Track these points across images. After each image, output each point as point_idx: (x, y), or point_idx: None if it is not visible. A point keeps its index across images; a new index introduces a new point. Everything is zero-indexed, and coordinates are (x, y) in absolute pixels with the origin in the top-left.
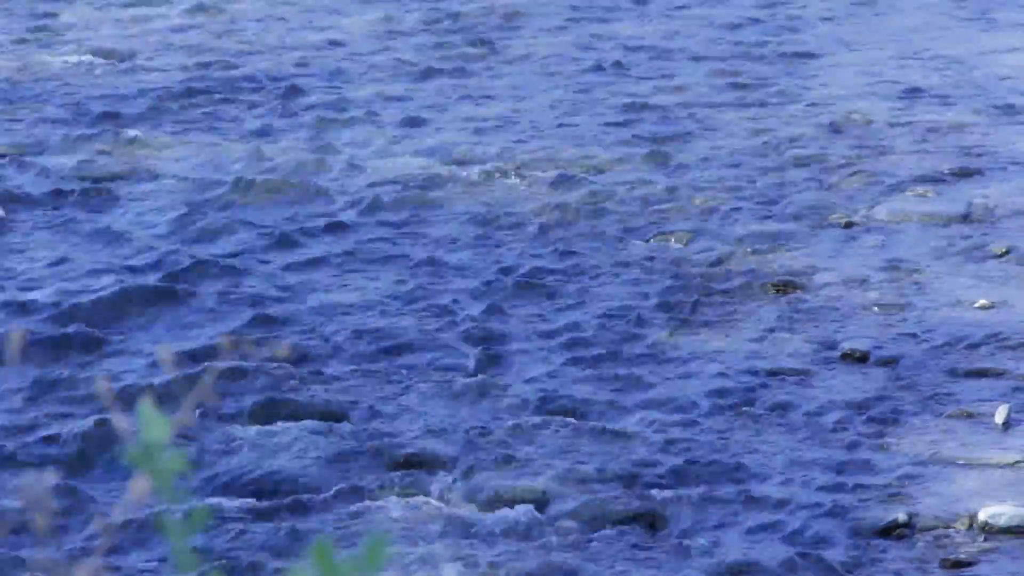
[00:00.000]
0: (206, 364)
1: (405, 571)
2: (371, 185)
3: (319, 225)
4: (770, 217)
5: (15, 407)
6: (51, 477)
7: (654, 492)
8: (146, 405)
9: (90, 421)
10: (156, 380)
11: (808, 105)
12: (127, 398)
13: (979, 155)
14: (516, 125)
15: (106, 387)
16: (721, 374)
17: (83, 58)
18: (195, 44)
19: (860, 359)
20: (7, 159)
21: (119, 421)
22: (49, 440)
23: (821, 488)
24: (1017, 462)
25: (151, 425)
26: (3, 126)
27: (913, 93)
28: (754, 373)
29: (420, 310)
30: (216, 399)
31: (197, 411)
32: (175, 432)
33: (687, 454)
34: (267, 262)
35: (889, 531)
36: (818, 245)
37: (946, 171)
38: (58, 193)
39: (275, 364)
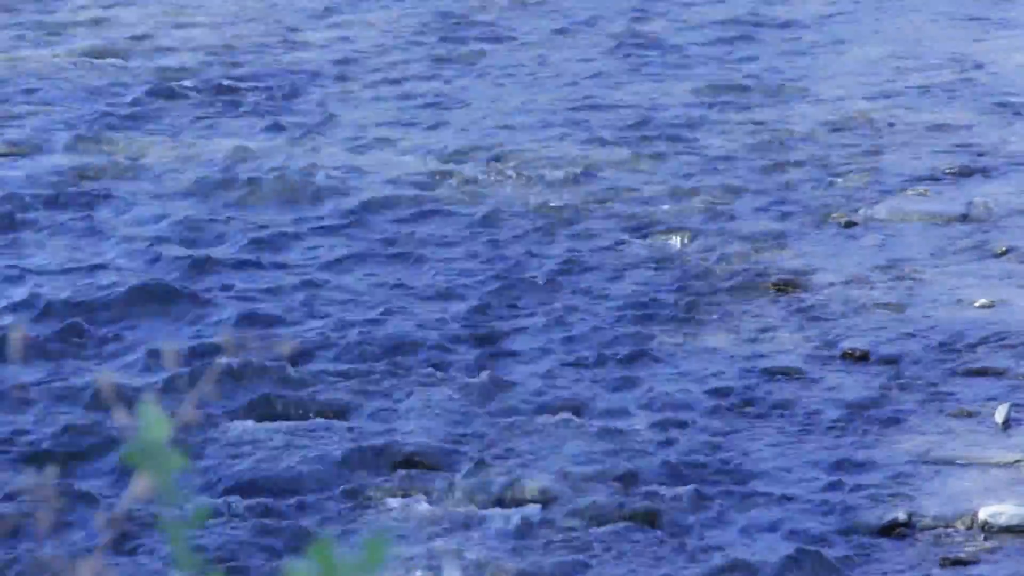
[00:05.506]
0: (207, 363)
1: (405, 571)
2: (371, 185)
3: (319, 225)
4: (770, 216)
5: (15, 406)
6: (52, 475)
7: (654, 491)
8: (146, 404)
9: (90, 420)
10: (156, 379)
11: (808, 105)
12: (127, 397)
13: (979, 155)
14: (516, 125)
15: (108, 383)
16: (721, 373)
17: (82, 58)
18: (195, 44)
19: (860, 358)
20: (7, 158)
21: (121, 418)
22: (49, 439)
23: (821, 487)
24: (1017, 461)
25: (151, 424)
26: (2, 125)
27: (914, 93)
28: (754, 372)
29: (420, 309)
30: (217, 398)
31: (198, 410)
32: (176, 431)
33: (687, 453)
34: (267, 261)
35: (889, 530)
36: (818, 244)
37: (946, 171)
38: (58, 193)
39: (275, 364)
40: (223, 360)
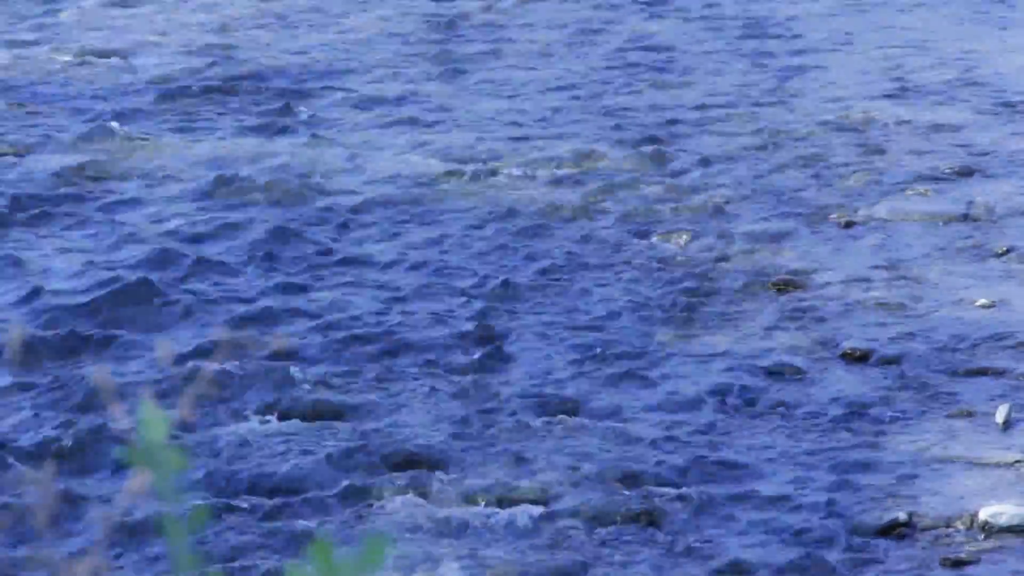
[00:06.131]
0: (204, 363)
1: (405, 571)
2: (371, 185)
3: (319, 224)
4: (770, 216)
5: (15, 406)
6: (51, 474)
7: (654, 491)
8: (146, 403)
9: (90, 419)
10: (155, 378)
11: (808, 105)
12: (127, 396)
13: (979, 155)
14: (516, 125)
15: (105, 380)
16: (721, 373)
17: (83, 58)
18: (195, 44)
19: (860, 358)
20: (7, 158)
21: (118, 417)
22: (49, 438)
23: (821, 487)
24: (1017, 461)
25: (151, 423)
26: (3, 125)
27: (913, 93)
28: (754, 372)
29: (420, 309)
30: (213, 397)
31: (196, 409)
32: (174, 430)
33: (687, 453)
34: (267, 261)
35: (889, 530)
36: (818, 244)
37: (946, 170)
38: (58, 193)
39: (275, 364)
40: (219, 360)
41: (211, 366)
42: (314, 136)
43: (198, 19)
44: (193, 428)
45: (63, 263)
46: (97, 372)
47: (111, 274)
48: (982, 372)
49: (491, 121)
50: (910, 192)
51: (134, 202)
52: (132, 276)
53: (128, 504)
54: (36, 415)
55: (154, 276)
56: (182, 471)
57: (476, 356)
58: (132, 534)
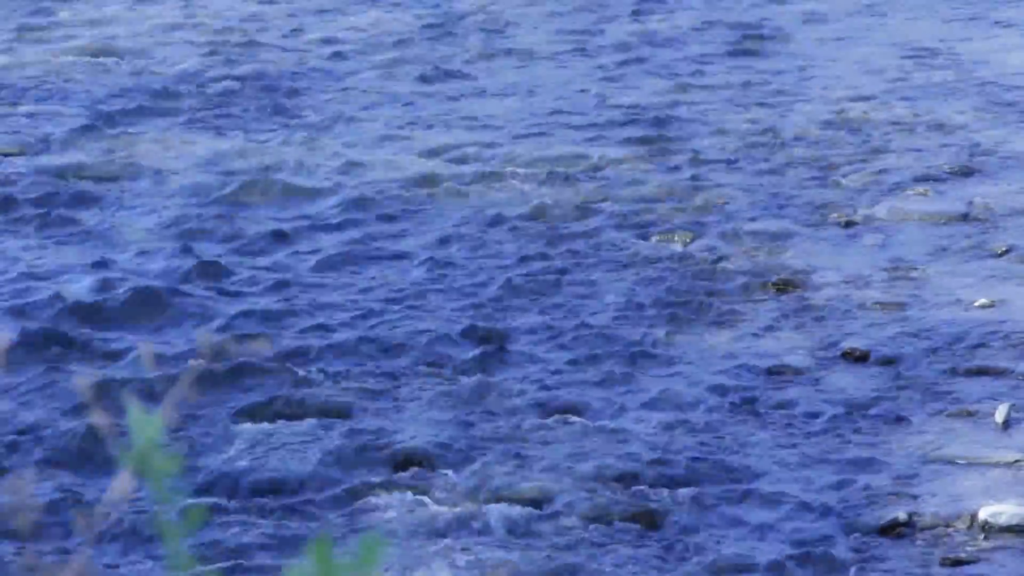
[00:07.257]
0: (202, 363)
1: (405, 570)
2: (370, 185)
3: (318, 224)
4: (770, 216)
5: (9, 406)
6: (33, 478)
7: (654, 491)
8: (135, 406)
9: (84, 421)
10: (152, 379)
11: (808, 104)
12: (126, 397)
13: (979, 154)
14: (515, 125)
15: (86, 386)
16: (721, 373)
17: (83, 56)
18: (195, 43)
19: (860, 358)
20: (6, 158)
21: (100, 419)
22: (44, 440)
23: (821, 487)
24: (1017, 461)
25: (143, 425)
26: (2, 124)
27: (913, 92)
28: (754, 372)
29: (420, 309)
30: (195, 398)
31: (195, 409)
32: (171, 431)
33: (687, 453)
34: (266, 261)
35: (889, 530)
36: (818, 244)
37: (946, 170)
38: (57, 192)
39: (275, 364)
40: (218, 360)
41: (209, 366)
42: (313, 136)
43: (198, 19)
44: (193, 428)
45: (62, 263)
46: (80, 375)
47: (109, 274)
48: (982, 372)
49: (490, 121)
50: (910, 192)
51: (133, 202)
52: (130, 276)
53: (113, 507)
54: (31, 416)
55: (153, 276)
56: (176, 473)
57: (476, 356)
58: (132, 534)
